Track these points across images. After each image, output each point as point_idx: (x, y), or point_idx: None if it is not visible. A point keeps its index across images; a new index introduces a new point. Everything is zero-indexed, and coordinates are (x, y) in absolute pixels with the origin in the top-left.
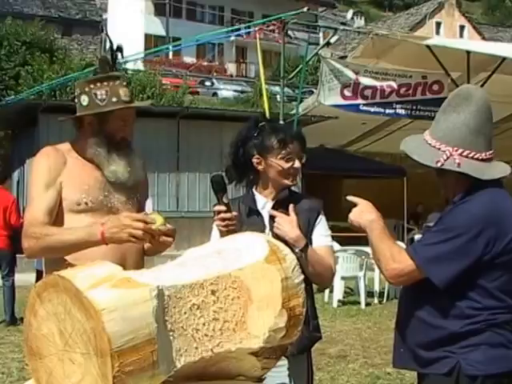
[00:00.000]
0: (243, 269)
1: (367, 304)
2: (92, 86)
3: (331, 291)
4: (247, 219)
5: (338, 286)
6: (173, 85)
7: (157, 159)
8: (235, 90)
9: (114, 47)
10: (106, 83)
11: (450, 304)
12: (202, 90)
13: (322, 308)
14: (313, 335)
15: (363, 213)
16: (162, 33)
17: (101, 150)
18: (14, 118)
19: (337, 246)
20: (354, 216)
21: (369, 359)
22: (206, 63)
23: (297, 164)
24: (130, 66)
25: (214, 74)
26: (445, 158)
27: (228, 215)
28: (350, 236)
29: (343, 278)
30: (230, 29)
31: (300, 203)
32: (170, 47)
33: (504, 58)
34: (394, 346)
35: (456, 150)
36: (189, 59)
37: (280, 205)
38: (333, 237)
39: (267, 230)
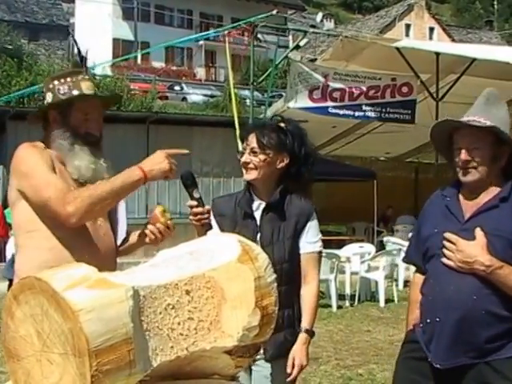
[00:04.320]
0: (216, 269)
1: (339, 307)
2: (56, 82)
3: None
4: (242, 221)
5: None
6: (142, 90)
7: (126, 165)
8: (205, 95)
9: (83, 52)
10: (69, 79)
11: None
12: (171, 94)
13: None
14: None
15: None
16: (131, 37)
17: (64, 143)
18: None
19: None
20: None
21: (341, 361)
22: (174, 68)
23: (244, 157)
24: (97, 71)
25: (183, 78)
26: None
27: (200, 210)
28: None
29: None
30: (201, 35)
31: (291, 206)
32: (139, 53)
33: (473, 60)
34: (436, 342)
35: None
36: (157, 64)
37: (270, 209)
38: None
39: (259, 234)
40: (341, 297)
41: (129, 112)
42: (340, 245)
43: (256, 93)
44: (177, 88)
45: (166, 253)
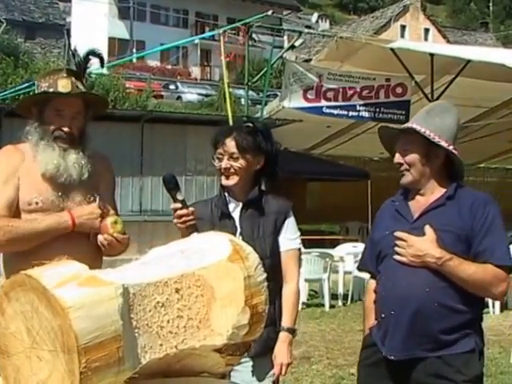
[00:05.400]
0: (207, 267)
1: (331, 306)
2: (42, 79)
3: None
4: (219, 222)
5: (302, 289)
6: (137, 88)
7: (120, 163)
8: (199, 94)
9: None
10: (52, 76)
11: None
12: (166, 93)
13: None
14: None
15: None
16: (126, 36)
17: (31, 138)
18: None
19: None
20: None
21: (333, 360)
22: (170, 66)
23: (224, 163)
24: (93, 69)
25: (178, 77)
26: (446, 144)
27: (184, 211)
28: (314, 239)
29: (307, 281)
30: (196, 37)
31: (269, 205)
32: (134, 55)
33: (468, 61)
34: (391, 335)
35: (449, 144)
36: (153, 62)
37: (249, 206)
38: None
39: (238, 231)
40: (334, 296)
41: (123, 110)
42: (334, 244)
43: (251, 92)
44: (172, 87)
45: (157, 251)
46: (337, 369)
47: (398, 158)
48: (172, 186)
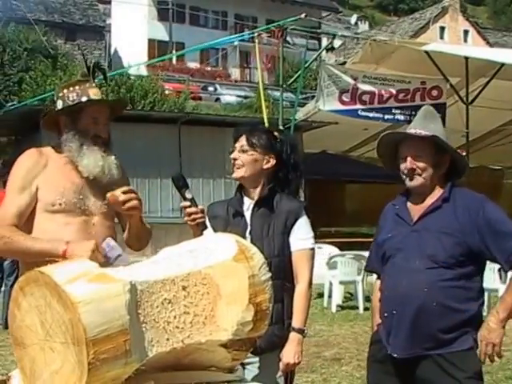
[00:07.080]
0: (213, 266)
1: (366, 309)
2: (65, 90)
3: (330, 296)
4: (232, 220)
5: (337, 291)
6: (175, 90)
7: (159, 165)
8: (238, 96)
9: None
10: (77, 87)
11: (467, 287)
12: (205, 95)
13: (321, 313)
14: (286, 334)
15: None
16: (166, 38)
17: (72, 145)
18: (16, 124)
19: (336, 251)
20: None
21: (362, 362)
22: (209, 68)
23: (233, 154)
24: (132, 71)
25: (218, 79)
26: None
27: (193, 209)
28: (352, 241)
29: (342, 283)
30: (232, 37)
31: (281, 204)
32: (174, 55)
33: (503, 64)
34: (394, 334)
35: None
36: (192, 64)
37: (261, 205)
38: (335, 242)
39: (248, 229)
40: (368, 299)
41: (161, 112)
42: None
43: (290, 94)
44: (210, 89)
45: (168, 250)
46: (365, 371)
47: (411, 163)
48: (181, 185)
